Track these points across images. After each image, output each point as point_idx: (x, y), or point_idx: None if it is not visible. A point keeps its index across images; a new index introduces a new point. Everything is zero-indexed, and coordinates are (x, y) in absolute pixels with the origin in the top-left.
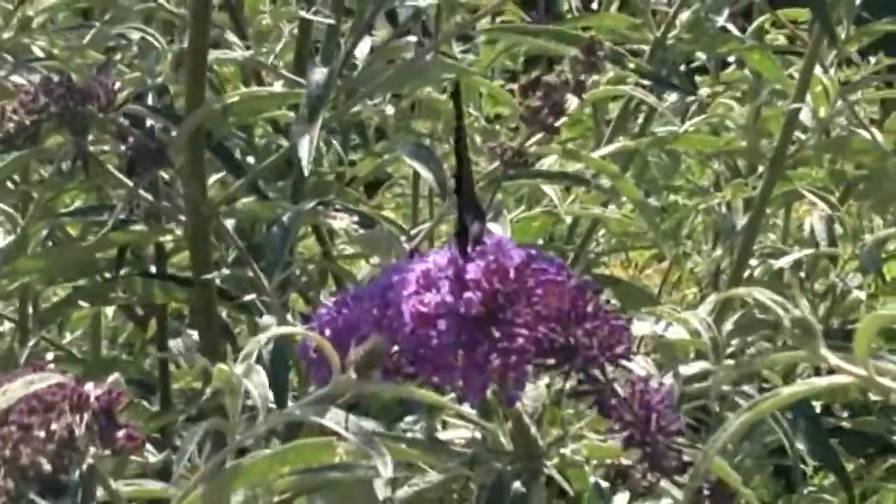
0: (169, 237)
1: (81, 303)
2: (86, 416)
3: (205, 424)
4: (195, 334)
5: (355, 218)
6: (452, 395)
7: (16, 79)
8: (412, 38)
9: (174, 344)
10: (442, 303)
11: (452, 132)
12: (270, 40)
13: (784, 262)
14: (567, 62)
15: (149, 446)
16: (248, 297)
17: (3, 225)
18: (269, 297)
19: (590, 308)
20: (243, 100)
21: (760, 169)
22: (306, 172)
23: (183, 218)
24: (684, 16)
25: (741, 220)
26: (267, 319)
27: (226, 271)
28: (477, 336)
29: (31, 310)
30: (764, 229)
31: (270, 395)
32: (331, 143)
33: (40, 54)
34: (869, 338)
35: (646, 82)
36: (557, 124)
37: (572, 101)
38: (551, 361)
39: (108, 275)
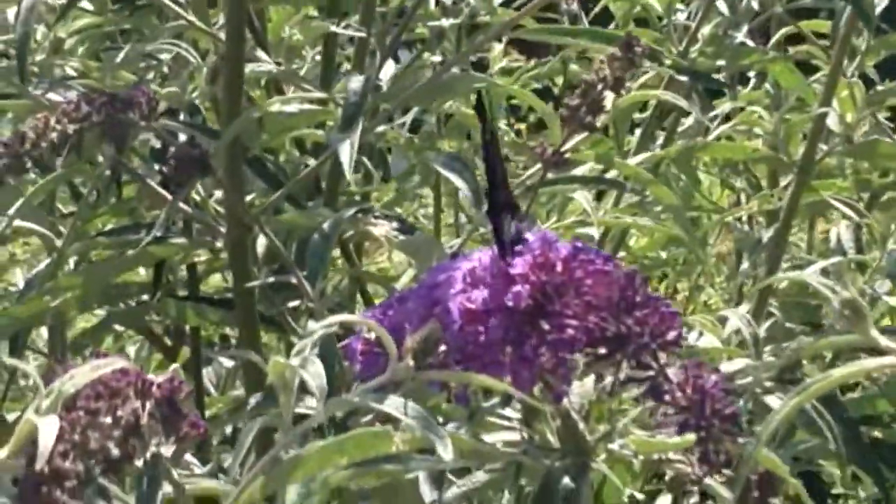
0: (205, 254)
1: (116, 327)
2: (149, 404)
3: (259, 420)
4: (227, 362)
5: (395, 224)
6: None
7: (53, 96)
8: (436, 58)
9: (206, 373)
10: (489, 298)
11: (481, 146)
12: (296, 60)
13: (812, 270)
14: (604, 59)
15: (192, 458)
16: (292, 304)
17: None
18: (311, 305)
19: (639, 297)
20: (277, 114)
21: (783, 182)
22: (348, 175)
23: (223, 230)
24: (706, 30)
25: (766, 234)
26: (312, 325)
27: (270, 279)
28: (525, 330)
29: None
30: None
31: None
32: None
33: (73, 75)
34: None
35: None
36: (597, 122)
37: (610, 99)
38: (603, 351)
39: (139, 300)
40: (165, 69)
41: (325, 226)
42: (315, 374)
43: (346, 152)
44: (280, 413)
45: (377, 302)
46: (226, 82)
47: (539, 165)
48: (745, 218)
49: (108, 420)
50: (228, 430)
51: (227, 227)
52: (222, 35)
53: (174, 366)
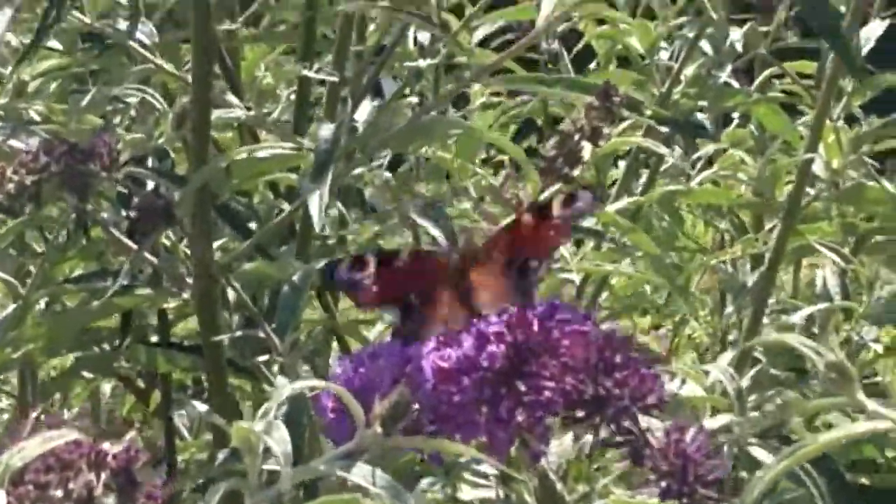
0: (175, 301)
1: (85, 374)
2: (104, 475)
3: (224, 484)
4: (199, 405)
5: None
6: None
7: (14, 143)
8: (413, 100)
9: (178, 416)
10: (464, 357)
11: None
12: (269, 102)
13: (799, 316)
14: (582, 109)
15: None
16: (260, 359)
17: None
18: (281, 359)
19: (618, 358)
20: (247, 159)
21: (767, 225)
22: (317, 229)
23: (190, 281)
24: (689, 70)
25: (751, 277)
26: (281, 381)
27: (238, 333)
28: (501, 391)
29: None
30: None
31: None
32: (332, 206)
33: (37, 119)
34: None
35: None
36: (574, 173)
37: (588, 149)
38: (581, 414)
39: (110, 345)
40: (133, 112)
41: (296, 277)
42: (279, 440)
43: (316, 203)
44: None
45: (355, 348)
46: (193, 128)
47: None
48: (728, 259)
49: (59, 494)
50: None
51: (194, 278)
52: (190, 78)
53: (130, 434)
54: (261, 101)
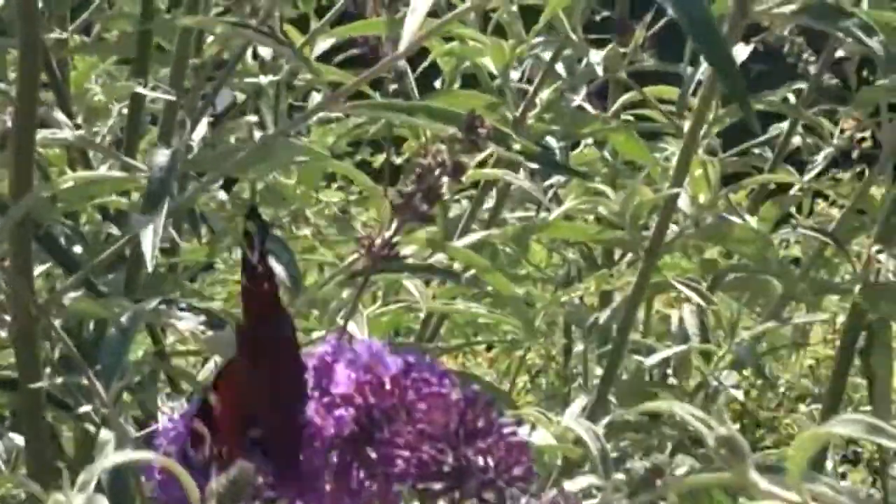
0: None
1: None
2: None
3: None
4: (17, 438)
5: (202, 318)
6: None
7: None
8: (252, 118)
9: None
10: (310, 423)
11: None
12: (100, 120)
13: (656, 358)
14: (443, 141)
15: None
16: (82, 409)
17: None
18: (104, 407)
19: (481, 423)
20: (77, 185)
21: (617, 256)
22: (150, 267)
23: (7, 318)
24: (544, 94)
25: (604, 314)
26: (105, 434)
27: (58, 379)
28: (349, 458)
29: None
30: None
31: None
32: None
33: None
34: (804, 458)
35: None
36: (433, 211)
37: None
38: (439, 486)
39: None
40: None
41: (124, 319)
42: None
43: (149, 239)
44: None
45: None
46: (16, 149)
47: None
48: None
49: None
50: None
51: (11, 317)
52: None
53: None
54: (91, 117)
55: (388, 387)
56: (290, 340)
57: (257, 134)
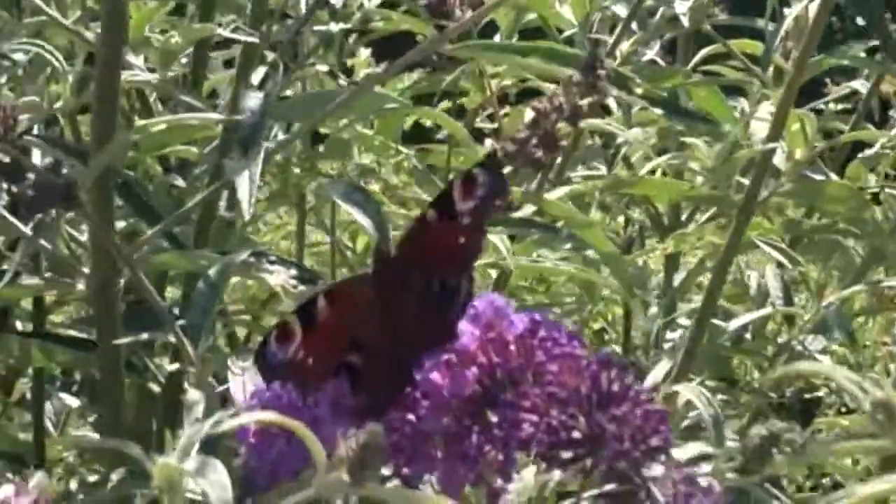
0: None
1: None
2: None
3: None
4: (67, 398)
5: (293, 272)
6: None
7: None
8: (321, 67)
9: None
10: (425, 380)
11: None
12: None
13: (741, 321)
14: (561, 84)
15: None
16: (170, 368)
17: None
18: (190, 366)
19: (616, 388)
20: (154, 133)
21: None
22: (247, 216)
23: (86, 270)
24: (624, 46)
25: (678, 275)
26: (193, 395)
27: (143, 336)
28: (467, 423)
29: None
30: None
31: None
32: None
33: None
34: None
35: None
36: (548, 160)
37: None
38: (567, 455)
39: None
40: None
41: (212, 273)
42: (217, 485)
43: (245, 186)
44: None
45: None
46: (99, 94)
47: None
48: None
49: None
50: None
51: (92, 268)
52: (88, 35)
53: (37, 476)
54: (165, 62)
55: (513, 346)
56: (449, 302)
57: (330, 83)
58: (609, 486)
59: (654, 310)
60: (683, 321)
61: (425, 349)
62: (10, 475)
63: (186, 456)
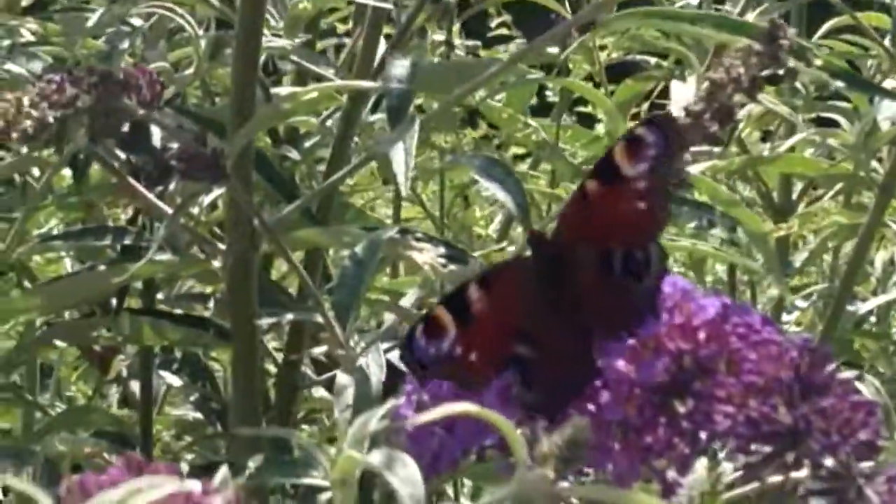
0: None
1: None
2: None
3: None
4: (169, 377)
5: (442, 249)
6: None
7: (12, 67)
8: (438, 37)
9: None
10: (609, 367)
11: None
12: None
13: (872, 304)
14: (738, 53)
15: None
16: (317, 350)
17: None
18: (340, 348)
19: (820, 377)
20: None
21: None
22: (405, 192)
23: (221, 246)
24: (750, 17)
25: (799, 256)
26: (343, 379)
27: (288, 316)
28: (653, 414)
29: None
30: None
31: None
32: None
33: (32, 40)
34: None
35: None
36: (722, 132)
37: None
38: (768, 449)
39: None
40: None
41: (359, 250)
42: (409, 481)
43: (402, 158)
44: None
45: None
46: (240, 60)
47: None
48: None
49: None
50: None
51: (228, 243)
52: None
53: (222, 472)
54: (294, 26)
55: (703, 332)
56: (636, 278)
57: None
58: (816, 484)
59: (773, 292)
60: (800, 303)
61: (610, 334)
62: (114, 457)
63: (361, 447)
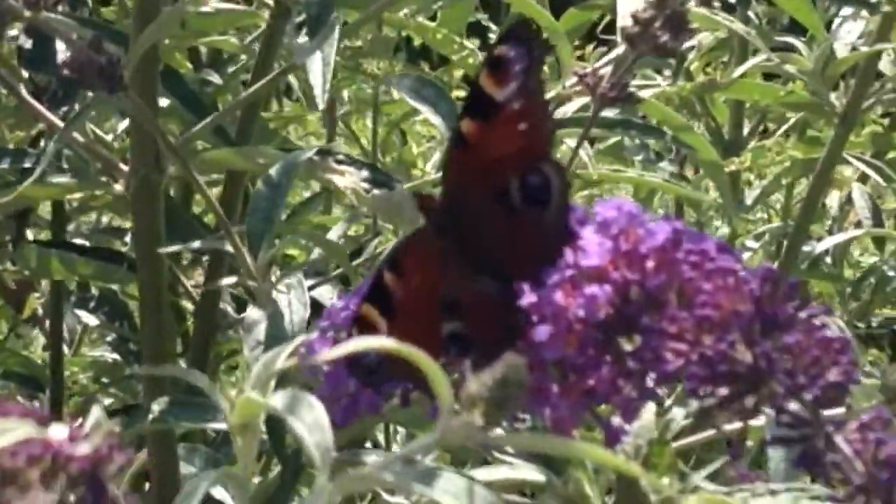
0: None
1: None
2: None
3: (211, 475)
4: (85, 315)
5: (365, 173)
6: None
7: None
8: None
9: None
10: (546, 301)
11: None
12: None
13: (828, 243)
14: None
15: None
16: (226, 281)
17: None
18: (251, 279)
19: (784, 310)
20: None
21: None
22: (321, 105)
23: (124, 168)
24: None
25: (752, 193)
26: (254, 313)
27: (195, 244)
28: (594, 352)
29: None
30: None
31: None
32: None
33: None
34: None
35: None
36: (678, 44)
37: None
38: (726, 391)
39: None
40: None
41: (274, 172)
42: (315, 426)
43: (319, 71)
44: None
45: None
46: None
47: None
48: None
49: None
50: None
51: (131, 165)
52: None
53: (96, 412)
54: None
55: (652, 260)
56: (541, 204)
57: None
58: (779, 431)
59: (724, 230)
60: (750, 243)
61: (532, 273)
62: (27, 400)
63: (264, 388)
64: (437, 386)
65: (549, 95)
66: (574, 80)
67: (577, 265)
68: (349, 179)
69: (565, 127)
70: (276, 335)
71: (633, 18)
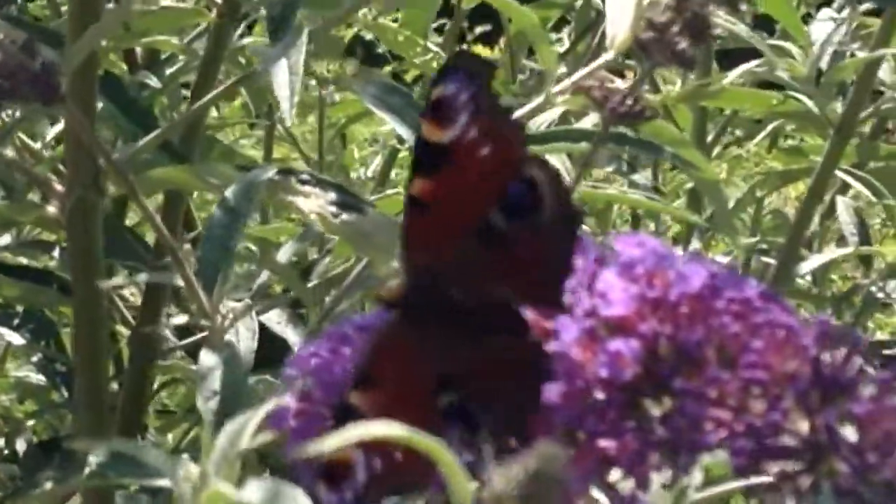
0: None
1: None
2: None
3: None
4: (8, 334)
5: (332, 195)
6: None
7: None
8: None
9: None
10: (561, 356)
11: None
12: None
13: (814, 264)
14: None
15: None
16: (176, 321)
17: None
18: (205, 318)
19: (847, 373)
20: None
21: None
22: (289, 120)
23: (59, 189)
24: None
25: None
26: (208, 359)
27: (141, 277)
28: (618, 417)
29: None
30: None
31: None
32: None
33: None
34: None
35: None
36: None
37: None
38: (777, 468)
39: None
40: None
41: (231, 194)
42: None
43: (285, 83)
44: None
45: None
46: None
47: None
48: None
49: None
50: None
51: (68, 184)
52: None
53: None
54: None
55: (686, 309)
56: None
57: None
58: None
59: (696, 245)
60: (719, 258)
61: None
62: None
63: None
64: (455, 485)
65: (530, 107)
66: (559, 87)
67: (596, 313)
68: (314, 202)
69: (549, 142)
70: (233, 383)
71: (650, 24)
